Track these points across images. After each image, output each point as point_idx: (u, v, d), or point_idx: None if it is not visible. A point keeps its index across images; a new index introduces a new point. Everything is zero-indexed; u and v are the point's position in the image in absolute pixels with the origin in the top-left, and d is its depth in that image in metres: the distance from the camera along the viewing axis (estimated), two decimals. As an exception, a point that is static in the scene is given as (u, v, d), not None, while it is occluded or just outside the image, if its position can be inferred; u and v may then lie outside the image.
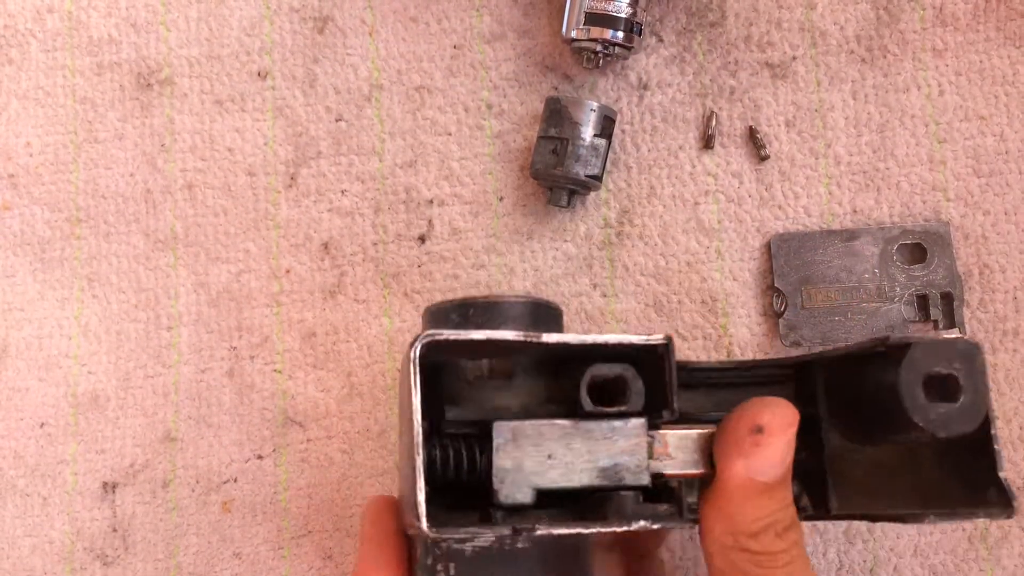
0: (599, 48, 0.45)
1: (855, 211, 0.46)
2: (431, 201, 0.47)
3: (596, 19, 0.44)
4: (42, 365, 0.47)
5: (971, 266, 0.45)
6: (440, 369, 0.34)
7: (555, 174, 0.45)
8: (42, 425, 0.47)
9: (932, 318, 0.44)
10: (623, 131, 0.47)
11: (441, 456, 0.32)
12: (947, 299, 0.44)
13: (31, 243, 0.48)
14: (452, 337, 0.30)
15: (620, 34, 0.44)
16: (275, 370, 0.47)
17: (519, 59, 0.48)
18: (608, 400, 0.32)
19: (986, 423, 0.31)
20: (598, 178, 0.45)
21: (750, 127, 0.47)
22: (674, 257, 0.46)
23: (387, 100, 0.48)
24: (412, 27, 0.49)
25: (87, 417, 0.47)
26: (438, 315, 0.34)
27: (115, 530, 0.46)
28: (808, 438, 0.35)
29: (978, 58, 0.46)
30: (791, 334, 0.45)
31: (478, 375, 0.34)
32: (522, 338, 0.31)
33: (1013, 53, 0.46)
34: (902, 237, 0.45)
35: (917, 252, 0.45)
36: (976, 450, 0.32)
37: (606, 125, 0.45)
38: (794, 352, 0.45)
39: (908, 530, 0.44)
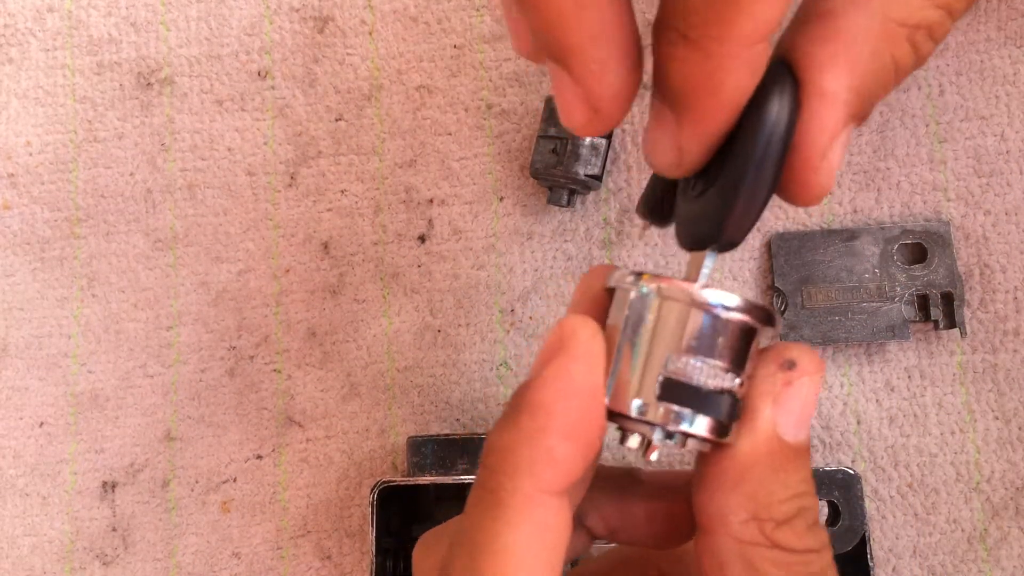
0: (672, 441, 0.25)
1: (855, 211, 0.46)
2: (431, 201, 0.47)
3: (678, 392, 0.25)
4: (42, 364, 0.47)
5: (972, 266, 0.45)
6: (415, 489, 0.42)
7: (555, 174, 0.45)
8: (41, 424, 0.47)
9: (932, 318, 0.44)
10: (623, 131, 0.47)
11: (404, 573, 0.42)
12: (947, 299, 0.44)
13: (31, 242, 0.48)
14: (402, 483, 0.39)
15: (717, 425, 0.25)
16: (275, 370, 0.47)
17: (519, 59, 0.48)
18: None
19: (862, 543, 0.36)
20: (598, 178, 0.45)
21: (750, 127, 0.47)
22: (674, 257, 0.46)
23: (387, 100, 0.48)
24: (412, 27, 0.49)
25: (87, 416, 0.47)
26: (413, 446, 0.42)
27: (114, 529, 0.46)
28: None
29: (979, 58, 0.46)
30: (791, 334, 0.45)
31: (441, 496, 0.43)
32: (460, 481, 0.40)
33: (1014, 53, 0.46)
34: (902, 237, 0.45)
35: (917, 252, 0.45)
36: (857, 564, 0.37)
37: (606, 125, 0.45)
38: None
39: (907, 530, 0.44)
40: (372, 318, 0.47)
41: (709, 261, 0.25)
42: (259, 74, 0.49)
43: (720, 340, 0.24)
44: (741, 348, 0.25)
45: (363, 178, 0.48)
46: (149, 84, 0.49)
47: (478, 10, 0.49)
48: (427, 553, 0.27)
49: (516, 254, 0.47)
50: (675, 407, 0.24)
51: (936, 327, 0.44)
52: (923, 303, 0.44)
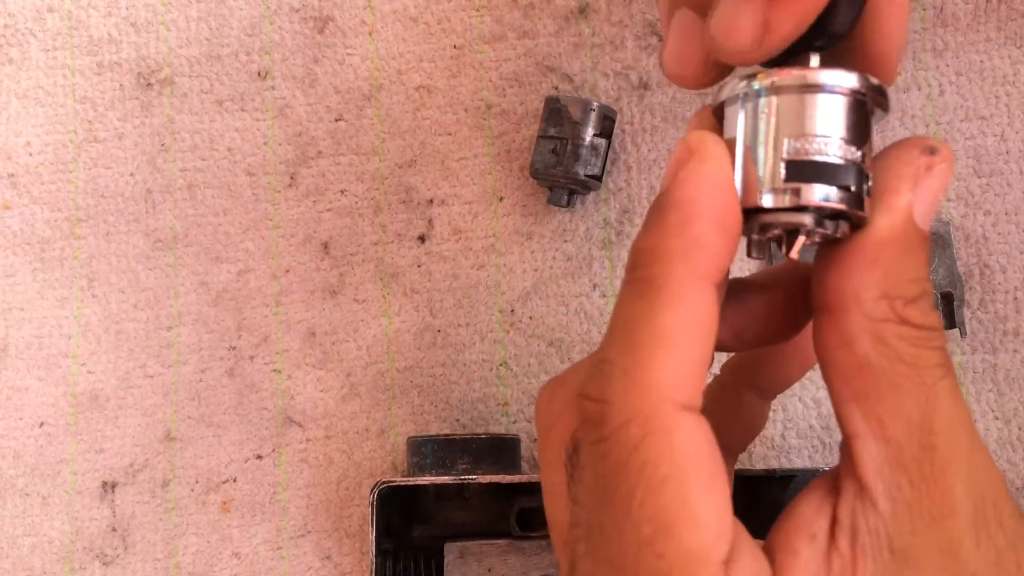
0: (809, 221, 0.25)
1: (855, 211, 0.46)
2: (431, 201, 0.47)
3: (805, 170, 0.25)
4: (42, 364, 0.47)
5: (972, 266, 0.45)
6: (415, 489, 0.43)
7: (555, 174, 0.45)
8: (41, 424, 0.47)
9: (932, 318, 0.44)
10: (623, 131, 0.47)
11: (403, 573, 0.42)
12: (947, 299, 0.44)
13: (31, 243, 0.48)
14: (402, 483, 0.39)
15: (850, 197, 0.25)
16: (275, 370, 0.47)
17: (519, 59, 0.48)
18: (540, 522, 0.40)
19: None
20: (598, 178, 0.45)
21: (750, 127, 0.47)
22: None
23: (387, 100, 0.48)
24: (412, 27, 0.49)
25: (86, 416, 0.47)
26: (413, 446, 0.42)
27: (114, 530, 0.46)
28: None
29: (979, 58, 0.46)
30: (791, 334, 0.45)
31: (440, 496, 0.43)
32: (460, 481, 0.40)
33: (1014, 53, 0.46)
34: (902, 237, 0.45)
35: (917, 252, 0.45)
36: None
37: (606, 125, 0.45)
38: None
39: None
40: (372, 318, 0.47)
41: (815, 60, 0.26)
42: (259, 74, 0.49)
43: (838, 117, 0.25)
44: (859, 123, 0.25)
45: (363, 178, 0.48)
46: (149, 84, 0.49)
47: (478, 10, 0.49)
48: (554, 393, 0.27)
49: (516, 254, 0.47)
50: (804, 184, 0.25)
51: (936, 327, 0.44)
52: (923, 303, 0.44)
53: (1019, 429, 0.44)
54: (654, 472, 0.23)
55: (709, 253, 0.24)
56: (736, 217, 0.25)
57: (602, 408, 0.24)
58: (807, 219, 0.25)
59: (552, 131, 0.45)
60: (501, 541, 0.41)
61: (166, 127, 0.49)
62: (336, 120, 0.48)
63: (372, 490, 0.39)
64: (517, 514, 0.41)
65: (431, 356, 0.46)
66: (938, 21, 0.47)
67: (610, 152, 0.46)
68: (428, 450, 0.41)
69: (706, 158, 0.25)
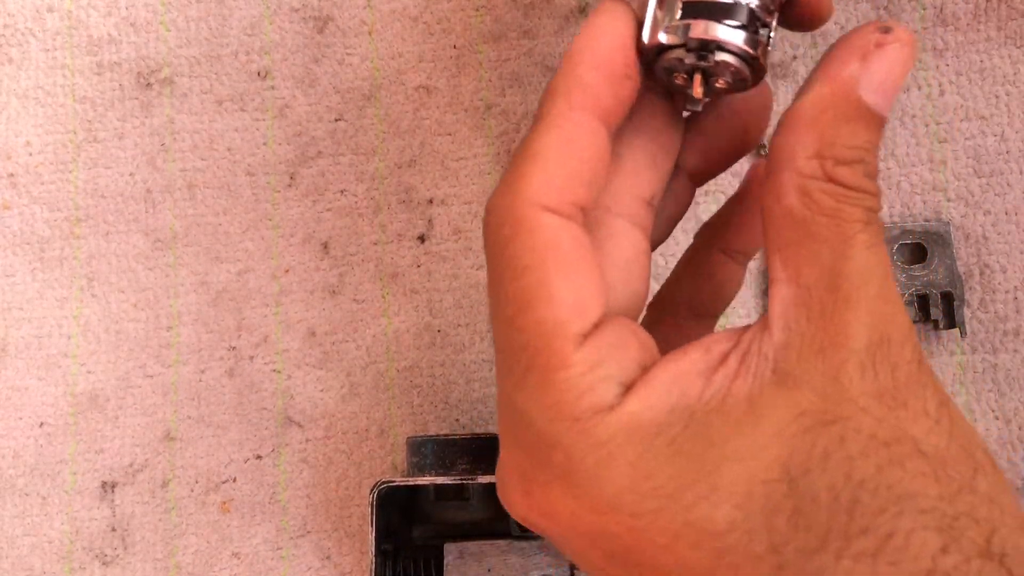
0: (705, 60, 0.27)
1: (855, 211, 0.46)
2: (431, 201, 0.47)
3: (698, 9, 0.27)
4: (41, 364, 0.47)
5: (971, 266, 0.45)
6: (415, 489, 0.43)
7: (555, 174, 0.45)
8: (41, 424, 0.47)
9: (932, 318, 0.44)
10: (623, 131, 0.47)
11: (403, 573, 0.42)
12: (947, 299, 0.44)
13: (31, 242, 0.48)
14: (402, 483, 0.40)
15: (740, 34, 0.27)
16: (275, 370, 0.47)
17: (519, 59, 0.48)
18: None
19: None
20: (598, 178, 0.45)
21: (750, 127, 0.47)
22: (674, 257, 0.46)
23: (387, 100, 0.48)
24: (412, 27, 0.49)
25: (86, 416, 0.47)
26: (413, 446, 0.42)
27: (114, 530, 0.46)
28: None
29: (979, 58, 0.46)
30: (791, 334, 0.45)
31: (440, 496, 0.44)
32: (459, 481, 0.40)
33: (1014, 53, 0.46)
34: (902, 237, 0.45)
35: (917, 252, 0.45)
36: None
37: (606, 125, 0.45)
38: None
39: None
40: (372, 318, 0.47)
41: None
42: (259, 74, 0.49)
43: None
44: None
45: (363, 178, 0.48)
46: (149, 84, 0.49)
47: (478, 10, 0.49)
48: None
49: (516, 254, 0.47)
50: (694, 20, 0.27)
51: (936, 327, 0.44)
52: (923, 303, 0.44)
53: (1019, 429, 0.44)
54: (518, 262, 0.26)
55: (588, 90, 0.27)
56: (622, 58, 0.27)
57: (488, 217, 0.27)
58: (702, 55, 0.27)
59: (552, 131, 0.45)
60: (501, 541, 0.41)
61: (166, 127, 0.49)
62: (336, 120, 0.48)
63: (372, 490, 0.39)
64: None
65: (431, 356, 0.46)
66: (938, 21, 0.47)
67: (610, 152, 0.46)
68: (428, 450, 0.41)
69: (599, 13, 0.28)
